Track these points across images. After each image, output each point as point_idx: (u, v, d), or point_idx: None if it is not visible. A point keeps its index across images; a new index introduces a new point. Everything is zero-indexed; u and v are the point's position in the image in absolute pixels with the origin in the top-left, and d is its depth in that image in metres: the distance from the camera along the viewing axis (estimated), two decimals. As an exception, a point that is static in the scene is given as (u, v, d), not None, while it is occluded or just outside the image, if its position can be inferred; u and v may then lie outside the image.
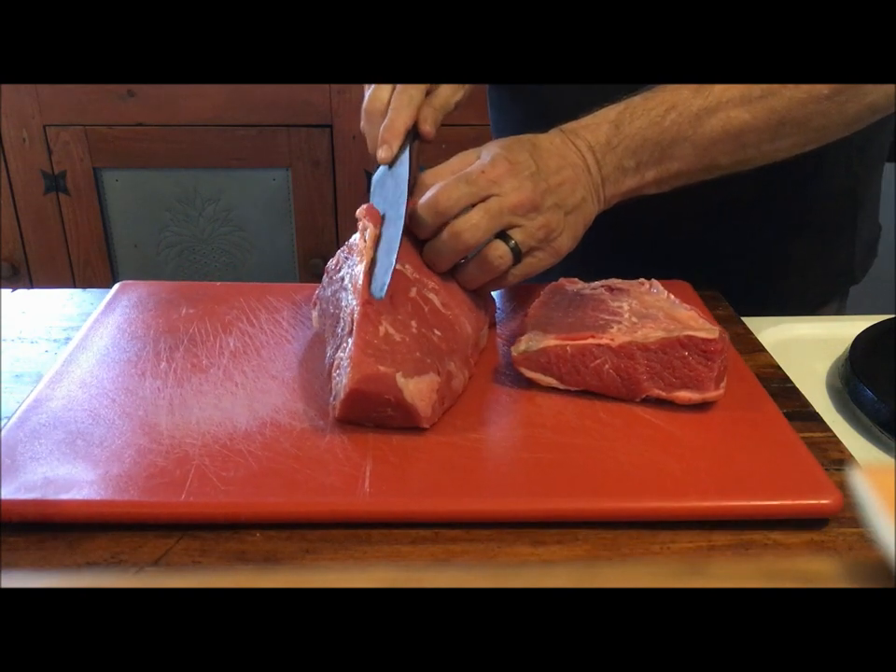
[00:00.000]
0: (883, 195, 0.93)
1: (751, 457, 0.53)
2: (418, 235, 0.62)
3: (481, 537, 0.48)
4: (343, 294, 0.59)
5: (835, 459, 0.55)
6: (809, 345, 0.73)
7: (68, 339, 0.69)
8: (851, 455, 0.55)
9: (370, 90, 0.66)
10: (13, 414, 0.55)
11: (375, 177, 0.64)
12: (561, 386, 0.59)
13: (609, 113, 0.64)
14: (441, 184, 0.60)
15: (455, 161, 0.63)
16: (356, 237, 0.61)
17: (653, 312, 0.61)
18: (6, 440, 0.52)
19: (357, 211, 0.61)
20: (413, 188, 0.62)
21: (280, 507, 0.48)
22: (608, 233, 0.68)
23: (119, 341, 0.65)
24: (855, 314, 0.83)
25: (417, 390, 0.53)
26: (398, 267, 0.57)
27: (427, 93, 0.66)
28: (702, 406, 0.57)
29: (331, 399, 0.55)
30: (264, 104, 1.59)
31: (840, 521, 0.49)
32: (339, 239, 1.69)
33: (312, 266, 1.70)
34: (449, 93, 0.67)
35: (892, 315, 0.72)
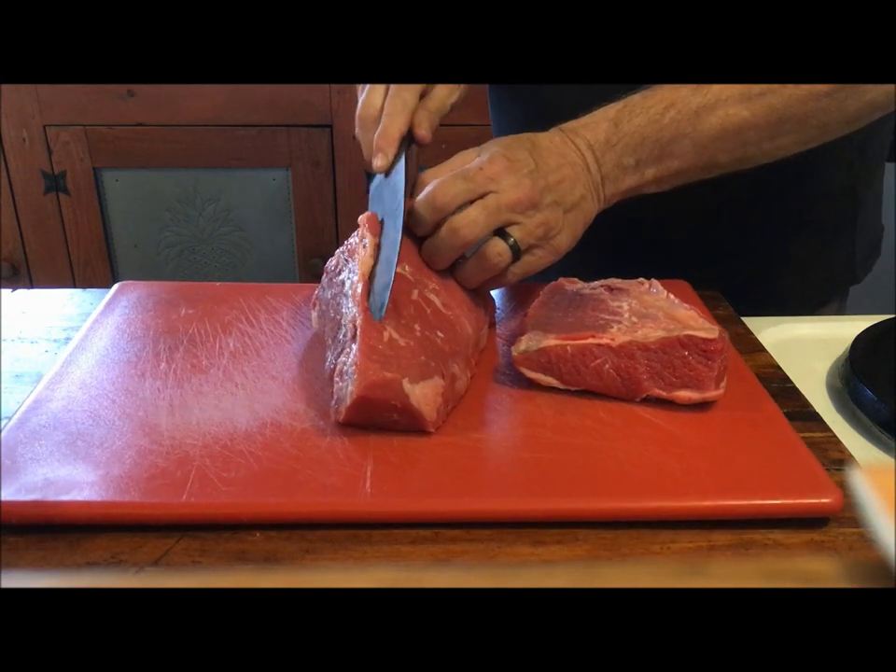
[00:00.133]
0: (884, 195, 0.93)
1: (751, 457, 0.53)
2: (416, 232, 0.61)
3: (481, 537, 0.48)
4: (344, 300, 0.59)
5: (835, 459, 0.55)
6: (809, 345, 0.73)
7: (68, 339, 0.69)
8: (851, 455, 0.55)
9: (362, 95, 0.65)
10: (13, 415, 0.55)
11: (373, 186, 0.64)
12: (561, 386, 0.59)
13: (609, 111, 0.64)
14: (439, 180, 0.60)
15: (455, 161, 0.63)
16: (355, 237, 0.61)
17: (653, 311, 0.61)
18: (6, 441, 0.52)
19: (359, 218, 0.61)
20: (413, 190, 0.62)
21: (281, 507, 0.48)
22: (607, 233, 0.68)
23: (118, 341, 0.65)
24: (855, 314, 0.83)
25: (423, 395, 0.53)
26: (398, 270, 0.56)
27: (422, 96, 0.65)
28: (702, 406, 0.57)
29: (333, 402, 0.55)
30: (264, 104, 1.59)
31: (840, 521, 0.49)
32: (339, 239, 1.69)
33: (312, 266, 1.70)
34: (444, 95, 0.66)
35: (892, 315, 0.72)
